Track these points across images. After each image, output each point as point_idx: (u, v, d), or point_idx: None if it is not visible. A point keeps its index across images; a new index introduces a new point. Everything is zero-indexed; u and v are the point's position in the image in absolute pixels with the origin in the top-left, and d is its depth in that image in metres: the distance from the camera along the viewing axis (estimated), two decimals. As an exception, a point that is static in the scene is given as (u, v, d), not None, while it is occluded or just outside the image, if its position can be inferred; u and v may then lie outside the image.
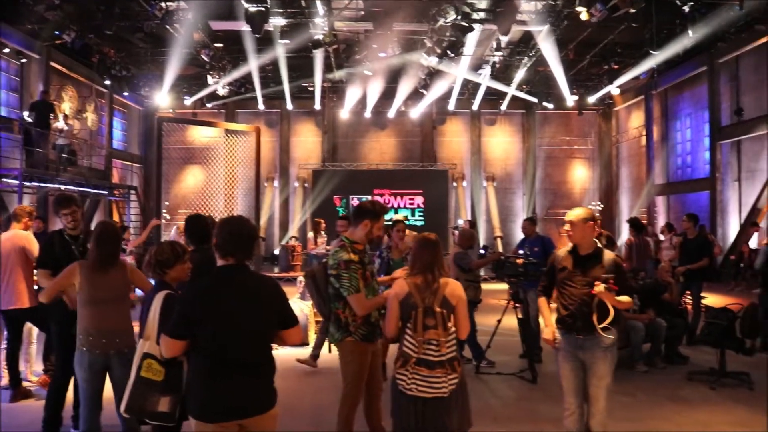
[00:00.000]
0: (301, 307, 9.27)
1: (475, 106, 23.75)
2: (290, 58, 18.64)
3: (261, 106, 23.01)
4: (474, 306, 8.31)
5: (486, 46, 17.95)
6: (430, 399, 3.77)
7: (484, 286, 9.32)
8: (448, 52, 16.41)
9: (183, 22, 15.49)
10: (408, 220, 17.78)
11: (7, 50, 16.33)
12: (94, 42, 16.80)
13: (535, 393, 7.00)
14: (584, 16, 13.60)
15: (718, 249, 14.82)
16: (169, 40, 17.02)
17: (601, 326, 4.30)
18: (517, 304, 8.00)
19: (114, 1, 15.13)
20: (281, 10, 15.18)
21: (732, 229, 18.15)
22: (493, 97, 23.22)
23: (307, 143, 25.23)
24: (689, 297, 9.90)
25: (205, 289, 3.33)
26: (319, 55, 18.04)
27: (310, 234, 14.28)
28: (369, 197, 22.73)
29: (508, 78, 20.89)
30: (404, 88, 21.36)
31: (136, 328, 4.15)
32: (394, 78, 20.81)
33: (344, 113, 23.78)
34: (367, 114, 23.72)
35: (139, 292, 5.16)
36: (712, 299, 10.44)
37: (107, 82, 19.25)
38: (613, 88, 20.64)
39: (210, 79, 19.69)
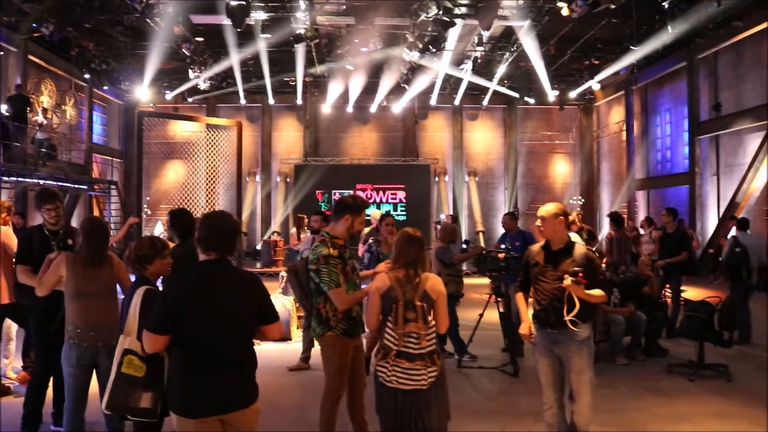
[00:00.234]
0: (284, 302, 9.25)
1: (456, 101, 23.81)
2: (272, 52, 18.57)
3: (242, 101, 22.92)
4: (456, 300, 8.35)
5: (467, 41, 17.98)
6: (410, 391, 3.82)
7: (466, 280, 9.35)
8: (430, 47, 16.42)
9: (163, 16, 15.37)
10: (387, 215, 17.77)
11: (-16, 43, 16.13)
12: (73, 35, 16.64)
13: (517, 387, 7.04)
14: (565, 11, 13.69)
15: (696, 243, 14.96)
16: (149, 34, 16.88)
17: (567, 318, 4.34)
18: (498, 299, 8.03)
19: (93, -7, 15.01)
20: (262, 4, 15.11)
21: (711, 223, 18.36)
22: (475, 92, 23.27)
23: (288, 138, 25.15)
24: (669, 290, 10.01)
25: (187, 283, 3.31)
26: (300, 50, 17.97)
27: (293, 230, 14.24)
28: (351, 192, 22.74)
29: (489, 73, 20.96)
30: (386, 82, 21.35)
31: None
32: (376, 73, 20.79)
33: (326, 108, 23.74)
34: (349, 109, 23.70)
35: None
36: (691, 292, 10.57)
37: (87, 76, 19.08)
38: (594, 84, 20.80)
39: (191, 74, 19.56)
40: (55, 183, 16.21)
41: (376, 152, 25.18)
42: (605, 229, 17.54)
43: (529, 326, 4.65)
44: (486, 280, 12.70)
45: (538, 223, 4.59)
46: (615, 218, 11.12)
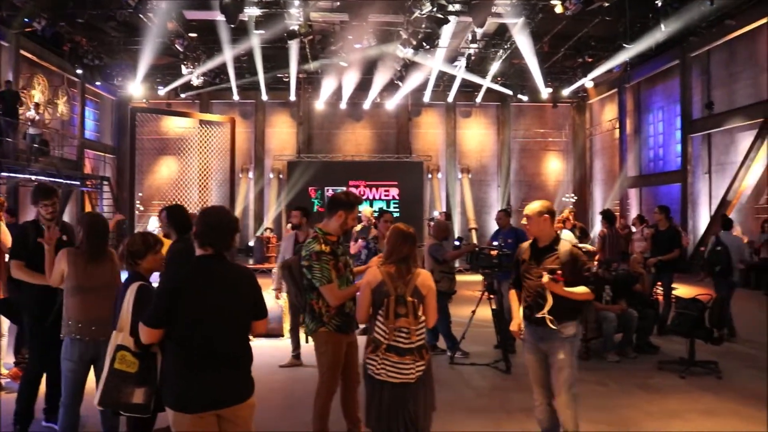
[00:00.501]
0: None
1: (450, 98, 23.81)
2: (265, 48, 18.52)
3: (236, 97, 22.85)
4: (448, 297, 8.37)
5: (461, 38, 17.98)
6: (398, 384, 3.89)
7: (459, 277, 9.37)
8: (424, 44, 16.40)
9: (156, 11, 15.31)
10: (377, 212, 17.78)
11: (-25, 38, 16.05)
12: (65, 30, 16.57)
13: (509, 383, 7.07)
14: (559, 9, 13.72)
15: (686, 241, 15.04)
16: (142, 30, 16.81)
17: (538, 315, 4.41)
18: (491, 296, 8.06)
19: (86, -12, 14.95)
20: (256, 0, 15.07)
21: (702, 220, 18.44)
22: (469, 90, 23.28)
23: (282, 134, 25.12)
24: (660, 288, 10.07)
25: (183, 278, 3.32)
26: (294, 46, 17.94)
27: (288, 226, 14.24)
28: (344, 189, 22.74)
29: (483, 70, 20.97)
30: (380, 79, 21.34)
31: None
32: (369, 69, 20.78)
33: (319, 104, 23.72)
34: (343, 105, 23.68)
35: None
36: (682, 290, 10.63)
37: (79, 72, 19.00)
38: (587, 81, 20.84)
39: (184, 69, 19.49)
40: (47, 179, 16.14)
41: (370, 149, 25.17)
42: (597, 226, 17.60)
43: (519, 323, 4.70)
44: (479, 277, 12.74)
45: (524, 221, 4.65)
46: (607, 216, 11.18)
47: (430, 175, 24.60)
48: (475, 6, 14.56)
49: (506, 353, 7.61)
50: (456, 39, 17.92)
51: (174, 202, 13.94)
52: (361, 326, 5.06)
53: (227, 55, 18.65)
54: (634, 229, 15.11)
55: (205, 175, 15.93)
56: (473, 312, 8.25)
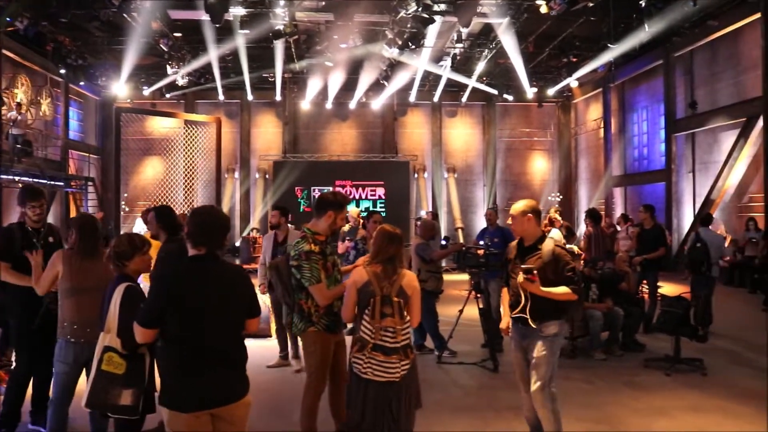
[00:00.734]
0: (264, 299, 9.22)
1: (436, 98, 23.82)
2: (250, 48, 18.44)
3: (221, 97, 22.74)
4: (436, 296, 8.40)
5: (447, 37, 18.00)
6: (384, 383, 3.94)
7: (445, 276, 9.40)
8: (409, 43, 16.40)
9: (141, 11, 15.20)
10: (364, 212, 17.78)
11: (-44, 37, 15.86)
12: (48, 30, 16.40)
13: (497, 382, 7.10)
14: (544, 9, 13.77)
15: (669, 239, 15.16)
16: (126, 29, 16.68)
17: (513, 314, 4.46)
18: (478, 295, 8.08)
19: (69, -13, 14.79)
20: (241, 0, 15.01)
21: (687, 219, 18.58)
22: (454, 89, 23.31)
23: (267, 134, 25.03)
24: (646, 286, 10.15)
25: (177, 278, 3.32)
26: (279, 46, 17.88)
27: (288, 225, 14.18)
28: (330, 189, 22.72)
29: (468, 70, 21.00)
30: (365, 79, 21.31)
31: None
32: (355, 69, 20.74)
33: (305, 104, 23.65)
34: (329, 105, 23.62)
35: None
36: (667, 288, 10.69)
37: (62, 71, 18.82)
38: (572, 81, 20.91)
39: (169, 69, 19.37)
40: (30, 179, 16.00)
41: (356, 149, 25.14)
42: (583, 225, 17.69)
43: (508, 322, 4.75)
44: (465, 276, 12.78)
45: (509, 221, 4.69)
46: (593, 215, 11.24)
47: (416, 175, 24.60)
48: (461, 6, 14.58)
49: (493, 352, 7.64)
50: (441, 39, 17.94)
51: (159, 203, 13.88)
52: (349, 326, 5.08)
53: (212, 54, 18.54)
54: (619, 228, 15.24)
55: (190, 175, 15.87)
56: (460, 311, 8.28)
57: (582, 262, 9.61)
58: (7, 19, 15.17)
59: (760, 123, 15.06)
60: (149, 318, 3.23)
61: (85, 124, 23.65)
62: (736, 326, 10.11)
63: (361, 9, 15.60)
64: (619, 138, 22.51)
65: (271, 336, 8.95)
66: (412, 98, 23.40)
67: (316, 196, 22.68)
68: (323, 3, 15.83)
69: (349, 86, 22.24)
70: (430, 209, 22.90)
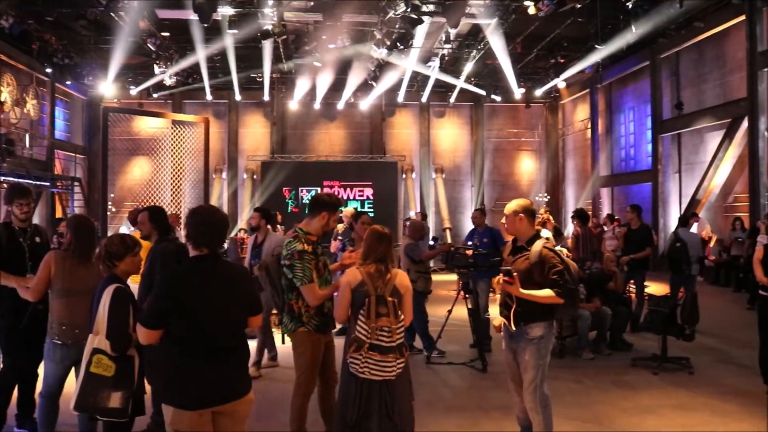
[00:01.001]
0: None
1: (424, 99, 23.85)
2: (239, 48, 18.38)
3: (209, 97, 22.66)
4: (425, 297, 8.41)
5: (435, 38, 18.03)
6: (380, 381, 4.00)
7: (434, 277, 9.41)
8: (398, 44, 16.41)
9: (128, 10, 15.10)
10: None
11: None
12: (34, 28, 16.27)
13: (486, 382, 7.12)
14: (532, 10, 13.81)
15: (656, 239, 15.26)
16: (113, 28, 16.56)
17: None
18: (467, 295, 8.10)
19: (55, -15, 14.69)
20: (230, 0, 14.97)
21: (673, 219, 18.67)
22: (442, 90, 23.34)
23: (255, 134, 24.96)
24: (633, 286, 10.22)
25: (183, 279, 3.33)
26: (268, 46, 17.83)
27: (268, 227, 14.14)
28: (318, 189, 22.72)
29: (456, 70, 21.04)
30: (354, 79, 21.29)
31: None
32: (343, 69, 20.73)
33: (293, 104, 23.60)
34: (317, 105, 23.59)
35: None
36: (654, 288, 10.79)
37: (48, 71, 18.69)
38: (560, 82, 20.99)
39: (156, 69, 19.26)
40: (15, 179, 15.87)
41: (344, 149, 25.12)
42: (570, 225, 17.76)
43: (501, 321, 4.74)
44: (453, 277, 12.80)
45: (503, 220, 4.70)
46: (581, 215, 11.31)
47: (404, 175, 24.62)
48: (449, 7, 14.61)
49: (482, 352, 7.66)
50: (430, 39, 17.96)
51: (146, 204, 13.81)
52: (338, 326, 5.08)
53: (200, 54, 18.46)
54: (606, 228, 15.31)
55: (178, 175, 15.80)
56: (449, 311, 8.30)
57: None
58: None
59: (745, 124, 15.20)
60: (154, 319, 3.23)
61: (72, 123, 23.47)
62: (722, 325, 10.19)
63: (349, 9, 15.58)
64: (606, 138, 22.62)
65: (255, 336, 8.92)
66: (400, 99, 23.42)
67: (303, 196, 22.84)
68: (312, 3, 15.80)
69: (337, 86, 22.22)
70: (419, 210, 22.92)
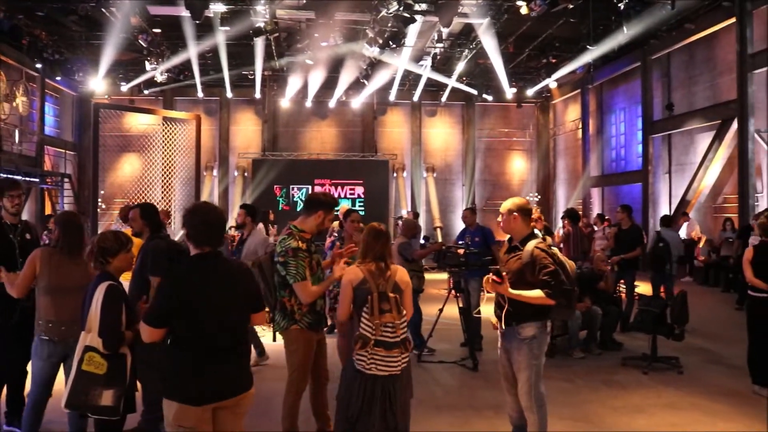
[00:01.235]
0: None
1: (415, 97, 23.86)
2: (230, 45, 18.34)
3: (200, 94, 22.57)
4: (417, 295, 8.41)
5: (427, 37, 18.03)
6: (386, 377, 4.03)
7: (425, 275, 9.41)
8: (390, 42, 16.40)
9: (119, 6, 15.03)
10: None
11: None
12: (24, 23, 16.17)
13: (477, 380, 7.13)
14: (524, 10, 13.83)
15: (646, 239, 15.34)
16: (104, 24, 16.47)
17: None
18: (458, 294, 8.12)
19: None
20: (222, -4, 14.92)
21: (663, 220, 18.77)
22: (434, 89, 23.37)
23: (247, 132, 24.91)
24: (623, 286, 10.26)
25: (186, 277, 3.33)
26: (259, 43, 17.78)
27: (260, 226, 14.10)
28: (309, 187, 22.72)
29: (448, 70, 21.06)
30: (345, 77, 21.27)
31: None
32: (335, 67, 20.70)
33: (285, 102, 23.55)
34: (308, 103, 23.55)
35: None
36: (644, 287, 10.83)
37: (39, 66, 18.58)
38: (551, 82, 21.05)
39: (148, 66, 19.15)
40: (4, 176, 15.76)
41: (335, 147, 25.11)
42: (561, 225, 17.80)
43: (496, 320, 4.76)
44: (444, 276, 12.81)
45: (498, 219, 4.71)
46: (571, 215, 11.35)
47: (395, 174, 24.63)
48: (442, 6, 14.62)
49: (473, 351, 7.68)
50: (422, 38, 17.97)
51: (137, 201, 13.74)
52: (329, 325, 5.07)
53: (192, 51, 18.38)
54: (596, 228, 15.37)
55: (168, 172, 15.73)
56: (440, 310, 8.31)
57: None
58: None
59: (735, 125, 15.28)
60: (158, 318, 3.23)
61: (62, 119, 23.34)
62: (712, 325, 10.26)
63: (342, 7, 15.56)
64: (597, 139, 22.70)
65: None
66: (392, 97, 23.41)
67: (294, 194, 22.81)
68: (304, 1, 15.77)
69: (329, 85, 22.20)
70: (410, 208, 22.94)
